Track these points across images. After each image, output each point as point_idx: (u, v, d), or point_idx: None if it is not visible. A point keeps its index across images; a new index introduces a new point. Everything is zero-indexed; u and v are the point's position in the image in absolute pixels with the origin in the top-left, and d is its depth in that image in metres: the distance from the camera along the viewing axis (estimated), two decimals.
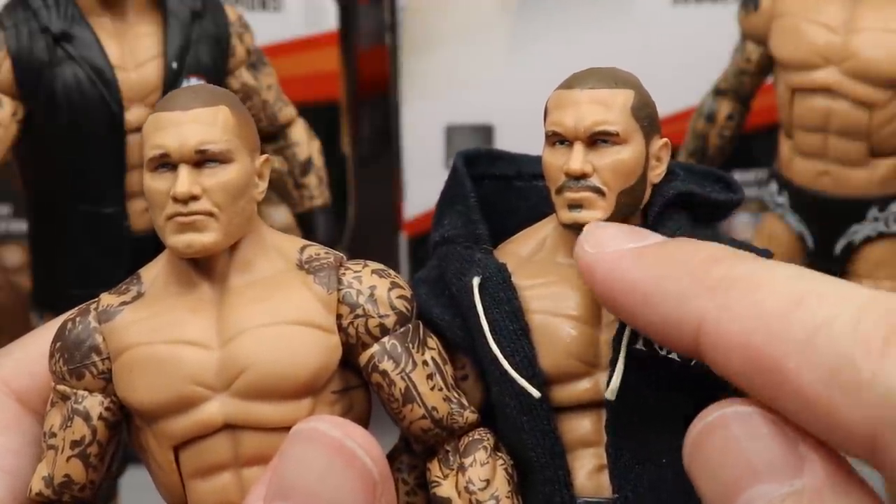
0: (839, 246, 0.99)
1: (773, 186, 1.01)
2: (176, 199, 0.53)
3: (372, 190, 1.23)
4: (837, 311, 0.40)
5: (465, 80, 1.14)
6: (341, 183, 1.12)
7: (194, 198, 0.53)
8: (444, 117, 1.14)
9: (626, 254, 0.48)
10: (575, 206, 0.55)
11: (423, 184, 1.13)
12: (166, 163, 0.54)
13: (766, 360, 0.41)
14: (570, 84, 0.56)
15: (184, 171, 0.53)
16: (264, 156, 0.56)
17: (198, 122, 0.53)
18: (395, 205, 1.16)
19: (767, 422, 0.43)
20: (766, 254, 0.55)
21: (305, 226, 0.96)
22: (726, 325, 0.43)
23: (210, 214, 0.53)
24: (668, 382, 0.54)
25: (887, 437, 0.38)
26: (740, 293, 0.43)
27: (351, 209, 1.14)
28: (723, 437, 0.43)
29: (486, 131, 1.14)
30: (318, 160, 0.96)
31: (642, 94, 0.56)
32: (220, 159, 0.54)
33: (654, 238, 0.49)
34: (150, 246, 0.79)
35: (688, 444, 0.45)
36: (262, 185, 0.56)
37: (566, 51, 1.13)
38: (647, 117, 0.56)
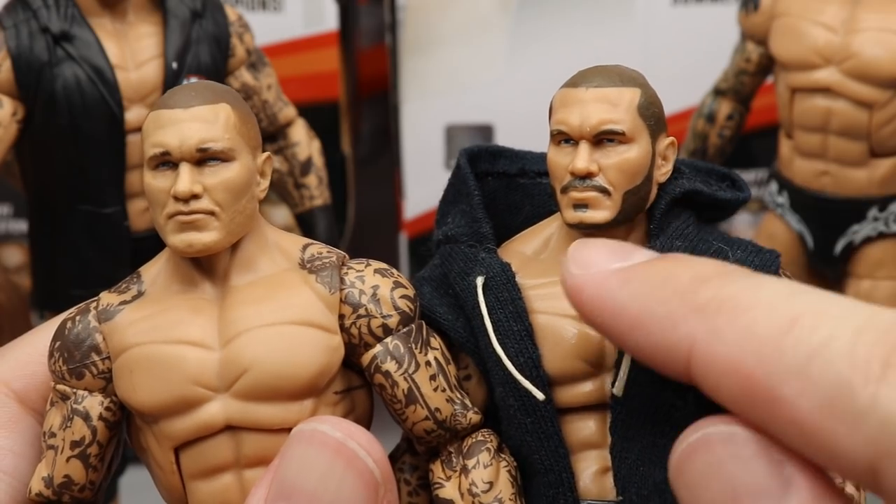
0: (839, 246, 0.99)
1: (773, 186, 1.01)
2: (177, 198, 0.53)
3: (372, 190, 1.23)
4: (833, 333, 0.38)
5: (465, 80, 1.13)
6: (341, 183, 1.12)
7: (195, 196, 0.53)
8: (444, 117, 1.14)
9: (611, 275, 0.45)
10: (580, 205, 0.55)
11: (423, 184, 1.13)
12: (167, 161, 0.53)
13: (760, 387, 0.39)
14: (575, 82, 0.56)
15: (185, 170, 0.53)
16: (266, 154, 0.56)
17: (199, 119, 0.53)
18: (396, 205, 1.16)
19: (751, 442, 0.41)
20: (773, 255, 0.55)
21: (305, 226, 0.95)
22: (717, 350, 0.41)
23: (211, 213, 0.53)
24: (673, 384, 0.54)
25: (887, 466, 0.37)
26: (730, 315, 0.41)
27: (351, 209, 1.14)
28: (705, 458, 0.42)
29: (486, 131, 1.14)
30: (318, 160, 0.95)
31: (648, 92, 0.56)
32: (222, 158, 0.53)
33: (641, 256, 0.46)
34: (151, 246, 0.79)
35: (671, 466, 0.43)
36: (264, 184, 0.56)
37: (566, 51, 1.12)
38: (653, 116, 0.56)
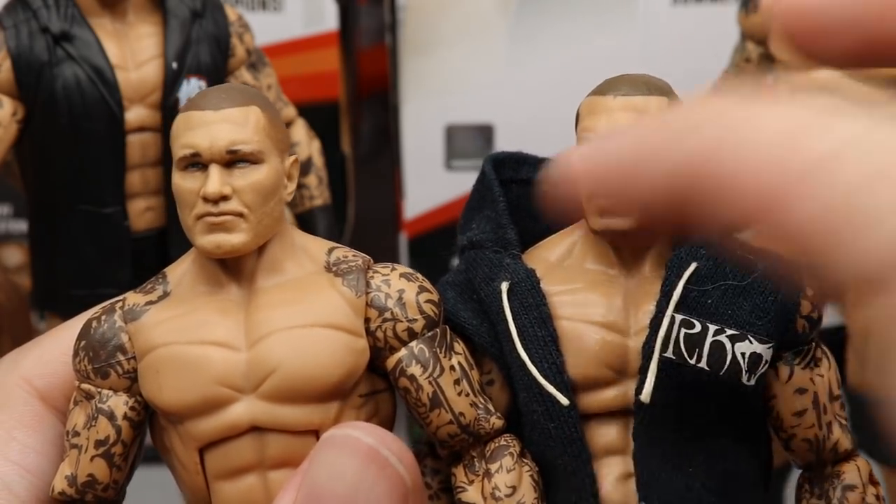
0: None
1: None
2: (206, 199, 0.53)
3: (372, 190, 1.23)
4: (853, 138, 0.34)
5: (465, 80, 1.13)
6: (341, 183, 1.12)
7: (224, 198, 0.53)
8: (444, 117, 1.14)
9: None
10: (606, 211, 0.55)
11: (423, 184, 1.13)
12: (196, 162, 0.54)
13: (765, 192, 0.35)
14: (602, 90, 0.56)
15: (214, 171, 0.53)
16: (293, 156, 0.56)
17: (229, 121, 0.53)
18: (396, 205, 1.15)
19: None
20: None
21: (305, 226, 0.95)
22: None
23: (240, 215, 0.53)
24: (696, 391, 0.54)
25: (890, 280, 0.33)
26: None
27: (351, 209, 1.14)
28: None
29: (487, 131, 1.14)
30: (318, 160, 0.95)
31: (675, 101, 0.56)
32: (251, 160, 0.54)
33: None
34: (151, 246, 0.79)
35: None
36: (291, 186, 0.56)
37: (566, 51, 1.12)
38: None
